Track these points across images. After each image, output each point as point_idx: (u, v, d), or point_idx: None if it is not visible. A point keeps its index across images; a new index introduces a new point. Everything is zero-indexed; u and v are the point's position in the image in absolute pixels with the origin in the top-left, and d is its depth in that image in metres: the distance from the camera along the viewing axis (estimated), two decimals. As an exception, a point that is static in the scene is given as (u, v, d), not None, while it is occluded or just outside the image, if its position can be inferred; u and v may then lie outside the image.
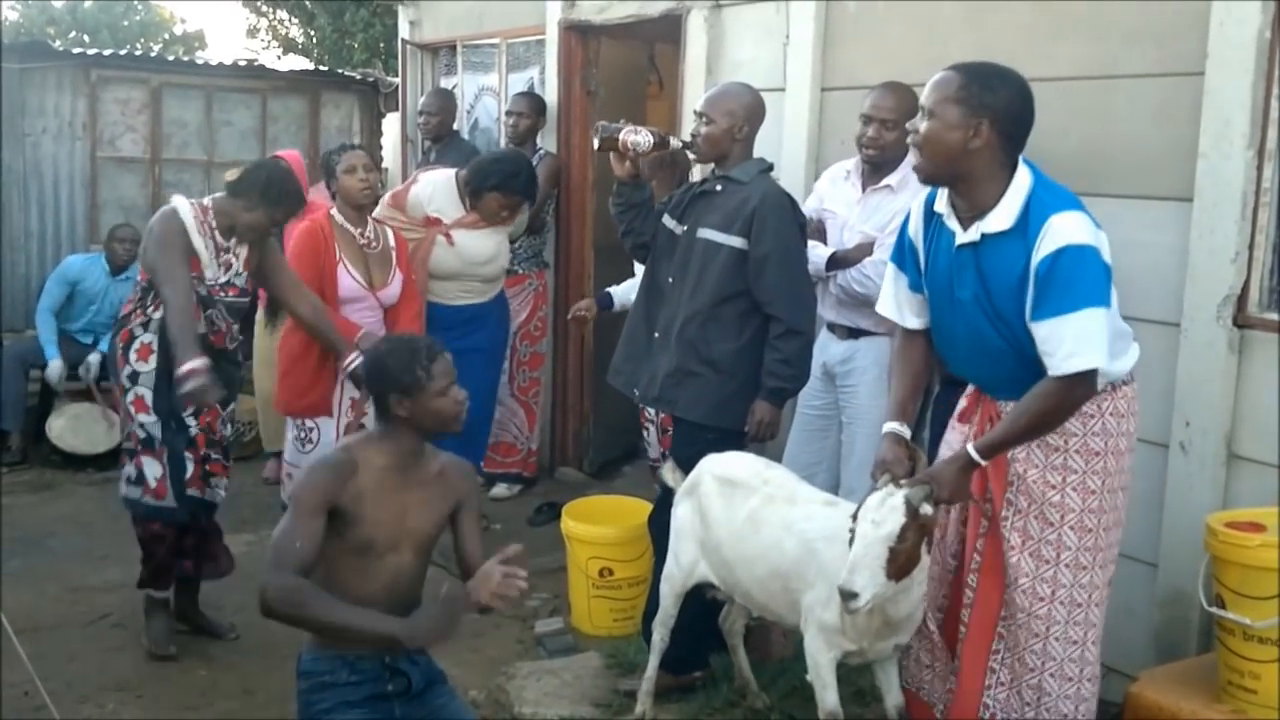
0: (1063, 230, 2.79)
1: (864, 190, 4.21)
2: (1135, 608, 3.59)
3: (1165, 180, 3.54)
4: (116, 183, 8.22)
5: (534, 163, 6.05)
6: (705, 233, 3.93)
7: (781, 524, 3.36)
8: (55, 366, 6.68)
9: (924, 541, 2.93)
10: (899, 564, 2.86)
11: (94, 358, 6.74)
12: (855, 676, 3.37)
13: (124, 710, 3.93)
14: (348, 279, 4.76)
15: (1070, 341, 2.79)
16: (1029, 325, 2.87)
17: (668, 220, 4.10)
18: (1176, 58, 3.56)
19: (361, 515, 2.82)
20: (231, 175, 4.31)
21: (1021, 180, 2.90)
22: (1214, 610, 3.03)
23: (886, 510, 2.87)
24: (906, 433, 3.14)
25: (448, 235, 5.26)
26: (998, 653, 3.14)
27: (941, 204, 3.05)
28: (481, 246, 5.36)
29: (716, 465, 3.61)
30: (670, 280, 4.05)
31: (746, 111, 3.97)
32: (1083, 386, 2.87)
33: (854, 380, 4.23)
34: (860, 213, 4.20)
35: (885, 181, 4.13)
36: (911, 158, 4.08)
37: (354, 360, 4.48)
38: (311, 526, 2.76)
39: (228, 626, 4.49)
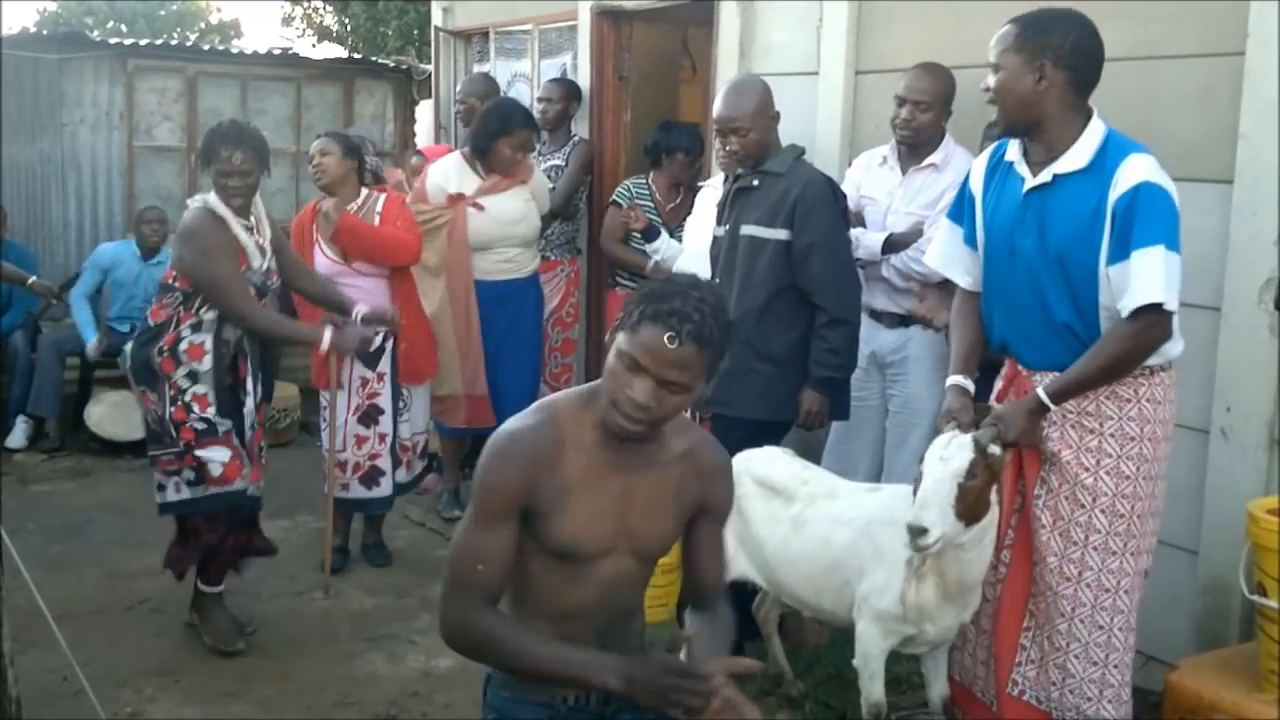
0: (1140, 168, 2.86)
1: (904, 173, 4.19)
2: (1176, 596, 3.55)
3: (1206, 163, 3.49)
4: (153, 171, 8.27)
5: (568, 150, 6.06)
6: (749, 229, 3.91)
7: (828, 519, 3.33)
8: (94, 344, 6.73)
9: (993, 486, 2.92)
10: (968, 503, 2.85)
11: (95, 339, 6.74)
12: (892, 664, 3.35)
13: (162, 696, 3.96)
14: (321, 258, 4.91)
15: (1147, 277, 2.81)
16: (1104, 271, 2.88)
17: (715, 229, 4.10)
18: (1217, 38, 3.51)
19: (564, 514, 2.15)
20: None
21: (1097, 125, 2.97)
22: (1255, 598, 3.00)
23: (955, 448, 2.87)
24: (970, 385, 3.17)
25: (476, 204, 5.31)
26: (1029, 630, 3.14)
27: (1013, 152, 3.09)
28: (510, 205, 5.40)
29: (755, 466, 3.57)
30: (718, 281, 4.04)
31: (770, 103, 3.96)
32: (1158, 328, 2.88)
33: (907, 369, 4.20)
34: (903, 195, 4.18)
35: (929, 160, 4.13)
36: (951, 138, 4.10)
37: (326, 338, 4.40)
38: (498, 537, 2.14)
39: (245, 621, 4.44)
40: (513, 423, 2.21)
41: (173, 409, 4.10)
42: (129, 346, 4.30)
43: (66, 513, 5.68)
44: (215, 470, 4.12)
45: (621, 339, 2.09)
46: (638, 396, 2.06)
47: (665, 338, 2.04)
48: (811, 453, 3.94)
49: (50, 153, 7.83)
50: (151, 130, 8.25)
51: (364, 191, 5.01)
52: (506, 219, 5.38)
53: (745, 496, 3.51)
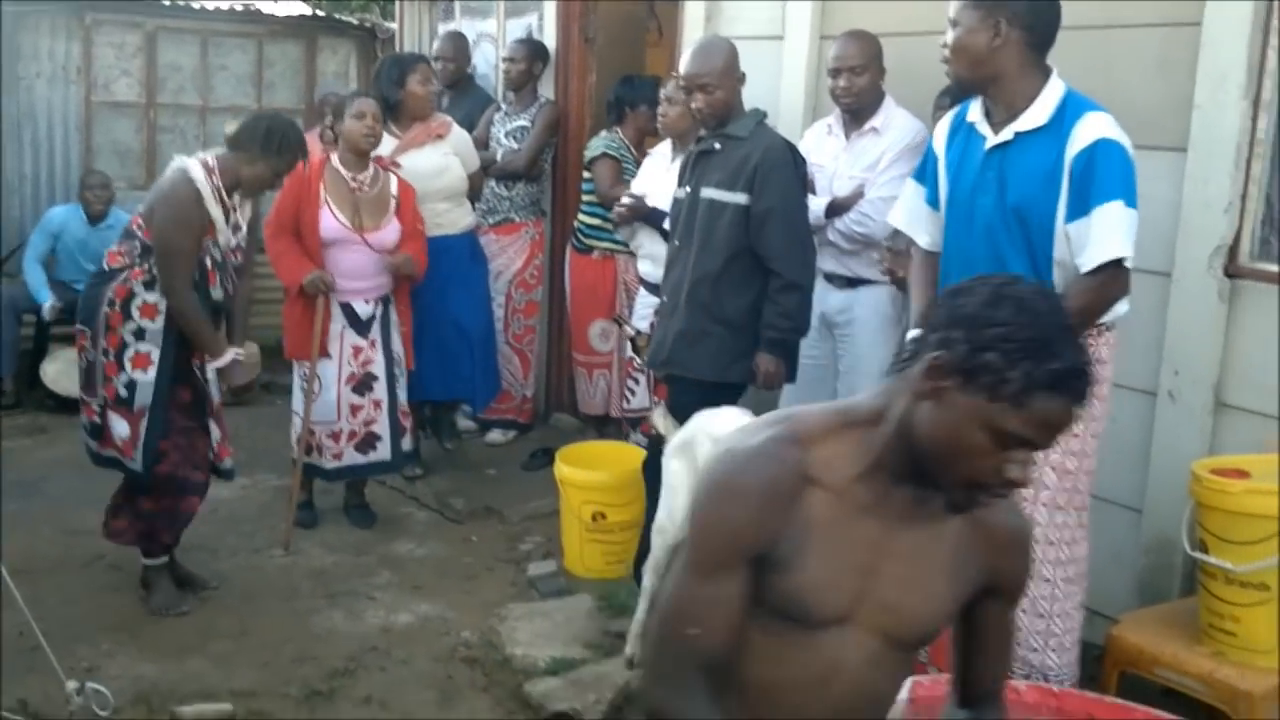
0: (1097, 125, 2.92)
1: (848, 138, 4.26)
2: (1120, 553, 3.62)
3: (1161, 131, 3.54)
4: (111, 127, 8.18)
5: (533, 111, 6.04)
6: (709, 192, 3.93)
7: None
8: (49, 306, 6.67)
9: None
10: None
11: (51, 302, 6.66)
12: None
13: (119, 651, 3.96)
14: (330, 220, 4.80)
15: (1105, 231, 2.88)
16: (1063, 229, 2.93)
17: (676, 191, 4.12)
18: (1175, 9, 3.55)
19: (801, 562, 1.70)
20: (230, 128, 4.25)
21: (1056, 84, 3.02)
22: (1197, 555, 3.07)
23: None
24: None
25: (394, 163, 5.21)
26: None
27: (975, 113, 3.14)
28: (427, 161, 5.36)
29: (712, 424, 3.59)
30: (676, 244, 4.06)
31: (736, 64, 3.98)
32: (1117, 283, 2.95)
33: (853, 330, 4.25)
34: (847, 160, 4.24)
35: (869, 124, 4.20)
36: (890, 100, 4.15)
37: (226, 359, 4.24)
38: (722, 592, 1.70)
39: (207, 577, 4.46)
40: (744, 440, 1.74)
41: (105, 361, 4.08)
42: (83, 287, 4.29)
43: (23, 470, 5.64)
44: (117, 440, 4.11)
45: (996, 411, 1.58)
46: (1020, 475, 1.62)
47: (1074, 408, 1.60)
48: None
49: (6, 108, 7.72)
50: (110, 85, 8.15)
51: (372, 166, 4.95)
52: (425, 173, 5.30)
53: (704, 457, 3.55)
